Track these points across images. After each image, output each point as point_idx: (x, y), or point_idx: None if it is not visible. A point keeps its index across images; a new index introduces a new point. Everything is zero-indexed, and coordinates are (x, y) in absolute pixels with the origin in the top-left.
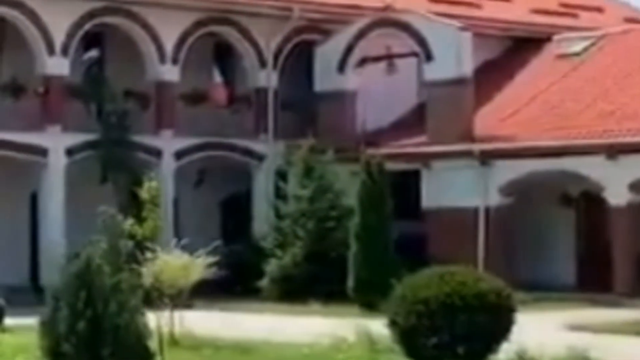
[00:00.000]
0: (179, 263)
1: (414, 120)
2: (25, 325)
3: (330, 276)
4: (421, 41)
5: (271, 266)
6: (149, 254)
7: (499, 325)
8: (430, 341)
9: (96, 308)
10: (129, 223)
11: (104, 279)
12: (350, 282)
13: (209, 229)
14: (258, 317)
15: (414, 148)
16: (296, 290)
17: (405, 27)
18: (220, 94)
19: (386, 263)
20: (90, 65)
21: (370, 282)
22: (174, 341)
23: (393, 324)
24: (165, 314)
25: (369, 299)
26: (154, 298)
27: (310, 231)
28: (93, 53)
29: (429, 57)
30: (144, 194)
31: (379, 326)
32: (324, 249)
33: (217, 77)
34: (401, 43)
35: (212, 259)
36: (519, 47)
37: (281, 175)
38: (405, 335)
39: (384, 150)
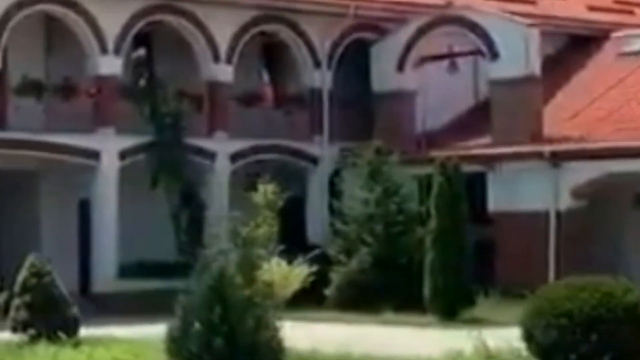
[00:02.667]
0: (280, 272)
1: (473, 121)
2: (98, 336)
3: (399, 283)
4: (487, 39)
5: (337, 273)
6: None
7: None
8: (570, 356)
9: (232, 323)
10: (247, 229)
11: (238, 292)
12: (427, 290)
13: None
14: (339, 328)
15: (479, 149)
16: (364, 299)
17: (470, 25)
18: (272, 94)
19: (464, 270)
20: (137, 65)
21: (449, 289)
22: None
23: (529, 338)
24: None
25: (447, 307)
26: None
27: (378, 236)
28: (140, 52)
29: (494, 55)
30: (259, 198)
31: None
32: (392, 254)
33: (269, 78)
34: (460, 41)
35: (310, 269)
36: (575, 45)
37: (339, 178)
38: (545, 351)
39: (446, 152)
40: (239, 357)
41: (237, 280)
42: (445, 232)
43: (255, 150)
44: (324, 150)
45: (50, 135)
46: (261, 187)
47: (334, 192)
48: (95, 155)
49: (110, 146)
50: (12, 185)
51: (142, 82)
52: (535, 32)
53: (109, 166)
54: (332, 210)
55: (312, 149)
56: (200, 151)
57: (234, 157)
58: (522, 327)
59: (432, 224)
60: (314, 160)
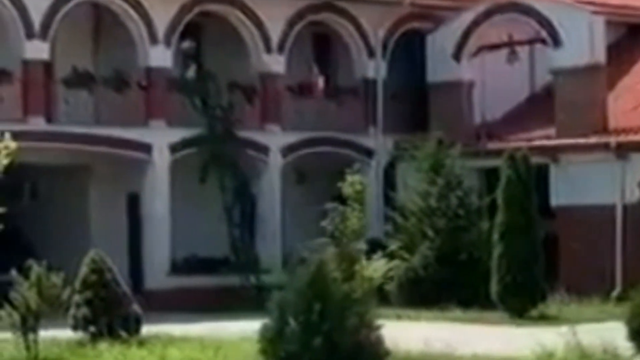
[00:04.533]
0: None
1: (531, 112)
2: (157, 333)
3: (463, 279)
4: (549, 27)
5: (399, 269)
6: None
7: None
8: None
9: (332, 322)
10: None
11: (337, 288)
12: (494, 286)
13: (313, 227)
14: (410, 325)
15: (542, 141)
16: (427, 295)
17: (531, 12)
18: (324, 85)
19: (535, 265)
20: (185, 56)
21: (519, 285)
22: None
23: (636, 337)
24: None
25: (518, 304)
26: None
27: (440, 230)
28: (187, 44)
29: (557, 43)
30: (346, 189)
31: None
32: (454, 249)
33: (321, 68)
34: (517, 29)
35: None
36: (634, 34)
37: (394, 170)
38: None
39: (507, 144)
40: (340, 358)
41: (336, 277)
42: (515, 226)
43: (308, 142)
44: (379, 142)
45: (100, 128)
46: (349, 178)
47: (389, 184)
48: (146, 148)
49: (161, 139)
50: (61, 179)
51: (191, 74)
52: (600, 20)
53: (160, 159)
54: (387, 203)
55: (367, 141)
56: (252, 144)
57: (286, 150)
58: (628, 325)
59: (500, 217)
60: (369, 153)
